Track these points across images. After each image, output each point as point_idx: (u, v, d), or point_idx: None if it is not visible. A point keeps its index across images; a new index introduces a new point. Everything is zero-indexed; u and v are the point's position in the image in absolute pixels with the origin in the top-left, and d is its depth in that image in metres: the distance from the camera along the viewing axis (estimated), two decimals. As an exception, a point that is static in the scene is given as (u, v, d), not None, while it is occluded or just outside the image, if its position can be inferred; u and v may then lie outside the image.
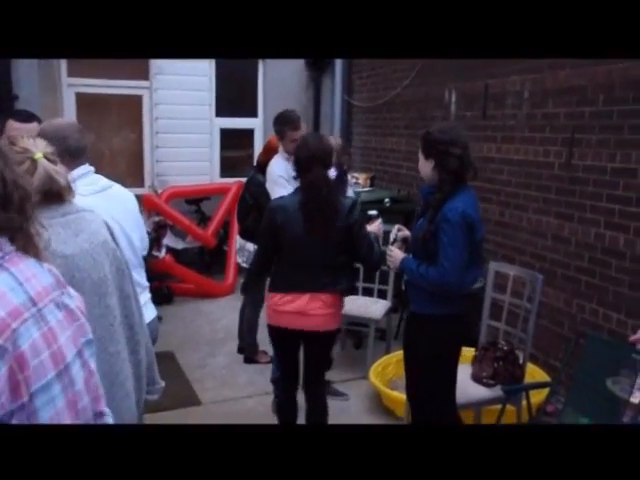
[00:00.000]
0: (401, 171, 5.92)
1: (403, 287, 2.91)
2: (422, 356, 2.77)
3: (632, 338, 3.24)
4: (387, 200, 5.45)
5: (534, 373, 3.78)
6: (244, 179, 4.97)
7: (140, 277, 2.62)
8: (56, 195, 1.97)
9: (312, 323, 2.96)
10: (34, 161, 1.94)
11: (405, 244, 2.90)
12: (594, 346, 3.05)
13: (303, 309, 2.94)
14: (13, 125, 2.73)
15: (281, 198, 3.10)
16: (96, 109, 6.75)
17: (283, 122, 4.06)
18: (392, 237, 2.90)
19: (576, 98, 3.83)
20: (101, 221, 2.16)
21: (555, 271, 4.00)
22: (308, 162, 2.90)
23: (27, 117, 2.76)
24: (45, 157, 1.98)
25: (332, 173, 3.63)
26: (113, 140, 6.92)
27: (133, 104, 6.78)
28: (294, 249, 2.94)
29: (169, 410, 3.79)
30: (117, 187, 2.63)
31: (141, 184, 6.82)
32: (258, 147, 6.72)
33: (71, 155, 2.42)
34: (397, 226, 2.99)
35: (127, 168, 6.95)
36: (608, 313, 3.61)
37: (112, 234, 2.19)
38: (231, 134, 7.08)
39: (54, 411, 1.14)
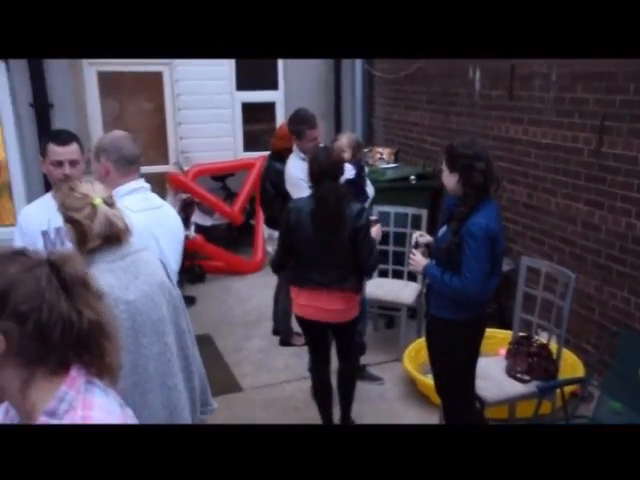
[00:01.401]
0: (425, 145, 5.93)
1: (424, 290, 3.05)
2: (441, 357, 2.98)
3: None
4: (413, 177, 5.48)
5: (566, 357, 3.84)
6: (267, 152, 5.01)
7: None
8: (115, 238, 2.07)
9: (330, 317, 3.33)
10: (94, 206, 2.03)
11: (428, 249, 3.04)
12: (628, 340, 3.17)
13: (322, 305, 3.30)
14: (54, 149, 2.76)
15: (299, 200, 3.38)
16: (118, 87, 6.77)
17: (300, 122, 4.06)
18: (413, 242, 3.06)
19: (605, 85, 3.81)
20: (157, 261, 2.26)
21: (586, 257, 4.07)
22: (319, 176, 3.19)
23: (66, 140, 2.78)
24: (104, 202, 2.07)
25: (351, 172, 3.76)
26: (136, 118, 6.96)
27: (154, 81, 6.78)
28: (305, 248, 3.25)
29: (214, 397, 3.96)
30: (167, 207, 2.76)
31: (166, 161, 6.88)
32: (280, 120, 6.73)
33: (128, 162, 2.59)
34: (419, 232, 3.19)
35: (151, 145, 7.01)
36: (639, 302, 3.70)
37: (167, 271, 2.30)
38: (252, 108, 7.07)
39: None
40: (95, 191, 2.08)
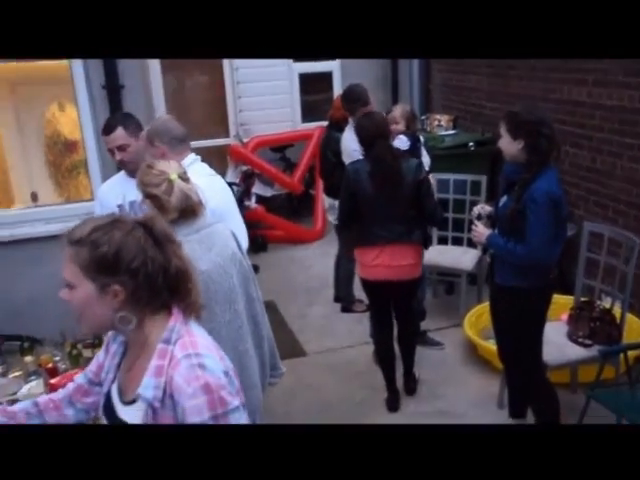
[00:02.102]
0: (484, 111, 5.85)
1: (488, 259, 3.08)
2: (509, 326, 2.99)
3: None
4: (471, 144, 5.44)
5: (631, 322, 3.81)
6: (325, 123, 5.08)
7: None
8: (191, 211, 2.21)
9: (399, 273, 3.43)
10: (171, 182, 2.17)
11: (489, 220, 3.04)
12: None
13: (391, 262, 3.39)
14: (104, 139, 2.99)
15: (355, 162, 3.51)
16: (177, 64, 6.91)
17: (353, 100, 4.15)
18: (475, 213, 3.05)
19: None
20: (229, 233, 2.39)
21: (652, 221, 4.00)
22: (371, 140, 3.34)
23: (110, 128, 2.93)
24: (179, 177, 2.21)
25: (405, 143, 3.79)
26: (196, 93, 7.11)
27: (213, 55, 6.89)
28: (369, 207, 3.38)
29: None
30: (219, 177, 2.89)
31: (226, 134, 7.02)
32: (337, 89, 6.75)
33: (179, 141, 2.75)
34: (480, 205, 3.17)
35: (211, 119, 7.16)
36: None
37: (238, 242, 2.43)
38: (309, 78, 7.11)
39: None
40: (171, 168, 2.23)
